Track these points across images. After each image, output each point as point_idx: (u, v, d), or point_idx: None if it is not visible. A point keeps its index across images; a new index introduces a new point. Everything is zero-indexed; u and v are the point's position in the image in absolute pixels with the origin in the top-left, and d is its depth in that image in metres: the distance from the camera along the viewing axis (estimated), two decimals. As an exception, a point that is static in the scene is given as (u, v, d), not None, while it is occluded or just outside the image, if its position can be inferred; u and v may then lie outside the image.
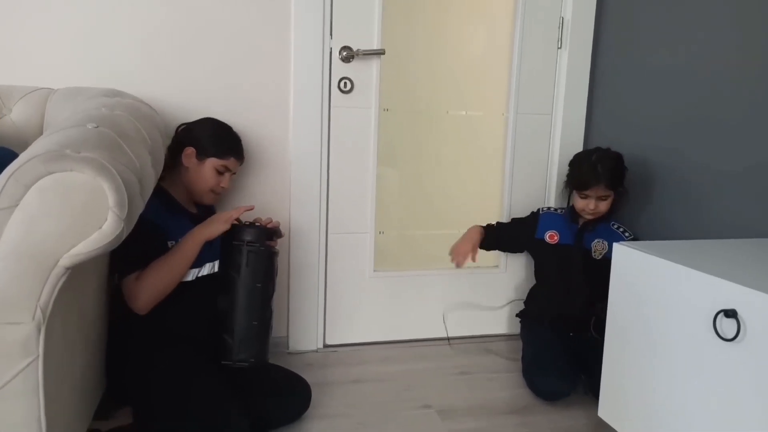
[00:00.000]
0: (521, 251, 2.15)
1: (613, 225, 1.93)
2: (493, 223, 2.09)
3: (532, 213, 2.07)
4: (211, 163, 1.62)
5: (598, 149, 1.94)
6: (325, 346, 2.08)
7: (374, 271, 2.09)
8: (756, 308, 1.04)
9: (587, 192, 1.86)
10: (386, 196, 2.07)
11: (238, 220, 1.55)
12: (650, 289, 1.29)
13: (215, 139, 1.64)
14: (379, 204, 2.06)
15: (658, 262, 1.27)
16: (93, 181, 0.97)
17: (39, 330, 0.95)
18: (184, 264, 1.48)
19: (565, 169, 1.99)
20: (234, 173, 1.70)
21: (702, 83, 1.69)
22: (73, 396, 1.18)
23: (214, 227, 1.50)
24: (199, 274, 1.59)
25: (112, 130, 1.16)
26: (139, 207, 1.10)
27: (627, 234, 1.91)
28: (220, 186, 1.65)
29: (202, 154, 1.61)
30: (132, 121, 1.30)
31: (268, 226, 1.58)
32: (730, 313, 1.08)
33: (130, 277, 1.43)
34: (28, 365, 0.95)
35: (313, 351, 2.05)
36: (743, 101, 1.56)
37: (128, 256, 1.40)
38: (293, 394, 1.57)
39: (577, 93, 2.13)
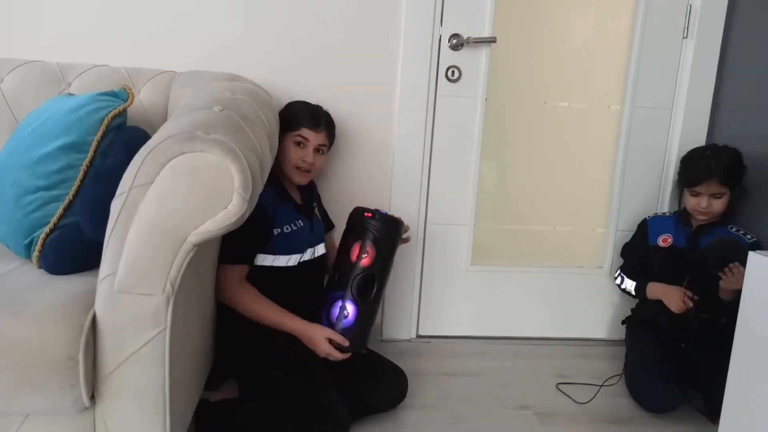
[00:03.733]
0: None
1: (731, 228, 1.78)
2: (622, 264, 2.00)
3: (639, 225, 1.97)
4: (289, 138, 1.61)
5: (713, 145, 1.83)
6: (418, 336, 2.07)
7: (471, 264, 2.05)
8: None
9: (698, 188, 1.75)
10: (481, 188, 2.02)
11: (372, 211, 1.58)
12: (789, 304, 1.17)
13: (289, 113, 1.64)
14: (477, 196, 2.01)
15: (800, 276, 1.15)
16: (221, 162, 0.99)
17: (168, 302, 0.99)
18: (270, 324, 1.50)
19: (684, 168, 1.87)
20: (321, 147, 1.66)
21: None
22: (190, 367, 1.23)
23: (315, 347, 1.49)
24: (302, 260, 1.63)
25: (236, 113, 1.20)
26: (260, 189, 1.13)
27: (749, 236, 1.76)
28: (303, 160, 1.62)
29: (281, 132, 1.60)
30: (252, 105, 1.33)
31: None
32: None
33: (233, 271, 1.49)
34: (157, 335, 1.00)
35: (406, 340, 2.05)
36: None
37: (233, 242, 1.44)
38: (391, 382, 1.57)
39: (701, 87, 1.97)
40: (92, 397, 1.01)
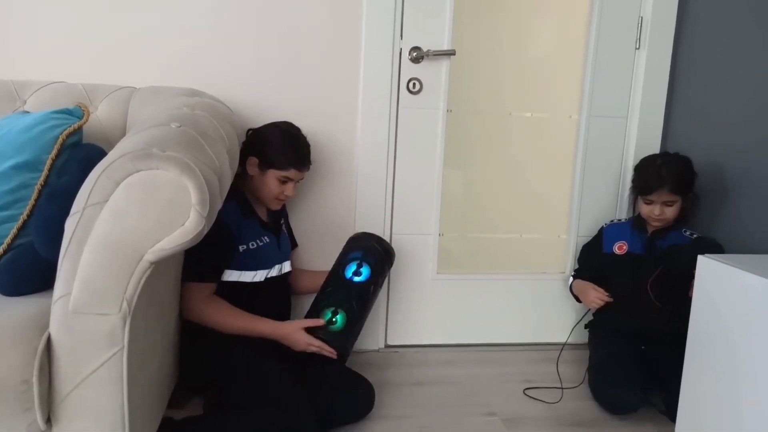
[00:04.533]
0: (601, 276, 1.99)
1: (685, 232, 1.84)
2: (576, 267, 2.08)
3: (598, 231, 2.02)
4: (273, 174, 1.60)
5: (665, 153, 1.89)
6: (387, 346, 2.08)
7: (437, 273, 2.07)
8: None
9: (651, 197, 1.80)
10: (447, 197, 2.05)
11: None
12: (736, 304, 1.22)
13: (276, 151, 1.60)
14: (441, 206, 2.04)
15: (745, 277, 1.20)
16: (177, 179, 0.99)
17: (125, 322, 0.98)
18: (243, 333, 1.51)
19: (640, 175, 1.92)
20: (300, 179, 1.68)
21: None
22: (151, 386, 1.22)
23: (293, 343, 1.52)
24: (269, 275, 1.63)
25: (194, 129, 1.19)
26: (218, 205, 1.12)
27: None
28: (284, 194, 1.63)
29: (263, 165, 1.60)
30: (211, 120, 1.33)
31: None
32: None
33: (200, 289, 1.49)
34: (113, 355, 0.98)
35: (374, 350, 2.05)
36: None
37: (199, 259, 1.44)
38: (358, 394, 1.57)
39: (654, 96, 2.04)
40: (48, 421, 0.99)
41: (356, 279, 1.63)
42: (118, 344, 0.98)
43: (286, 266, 1.73)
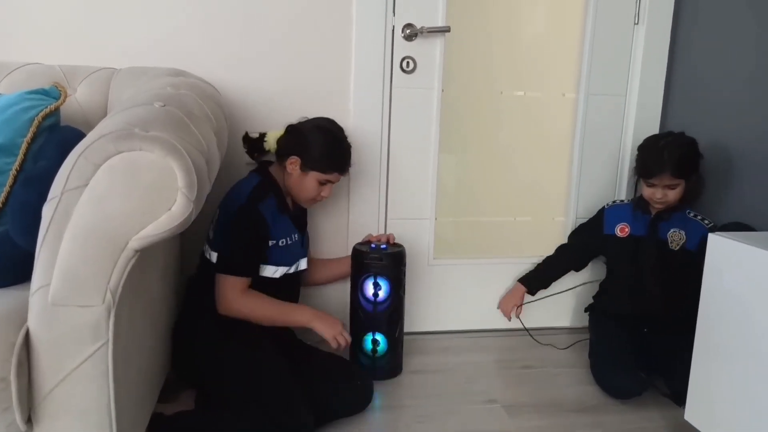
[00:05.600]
0: (591, 258, 2.01)
1: (689, 213, 1.79)
2: (539, 264, 2.03)
3: (598, 211, 1.97)
4: (314, 176, 1.56)
5: (669, 134, 1.82)
6: (383, 334, 2.03)
7: (434, 258, 2.02)
8: None
9: (652, 180, 1.74)
10: (442, 180, 1.99)
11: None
12: (749, 283, 1.18)
13: (321, 155, 1.56)
14: (437, 189, 1.98)
15: (759, 254, 1.16)
16: (162, 160, 0.93)
17: (109, 314, 0.92)
18: (277, 322, 1.53)
19: (639, 154, 1.87)
20: (338, 181, 1.63)
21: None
22: (139, 380, 1.16)
23: (323, 330, 1.52)
24: (287, 272, 1.60)
25: (179, 109, 1.13)
26: (207, 188, 1.06)
27: (707, 222, 1.77)
28: (321, 195, 1.60)
29: (306, 167, 1.55)
30: (196, 100, 1.26)
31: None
32: None
33: (237, 283, 1.46)
34: (98, 350, 0.92)
35: (370, 339, 2.00)
36: None
37: (237, 254, 1.46)
38: (356, 387, 1.52)
39: (654, 73, 1.99)
40: (29, 420, 0.93)
41: (379, 297, 1.66)
42: (102, 338, 0.92)
43: (303, 263, 1.68)
